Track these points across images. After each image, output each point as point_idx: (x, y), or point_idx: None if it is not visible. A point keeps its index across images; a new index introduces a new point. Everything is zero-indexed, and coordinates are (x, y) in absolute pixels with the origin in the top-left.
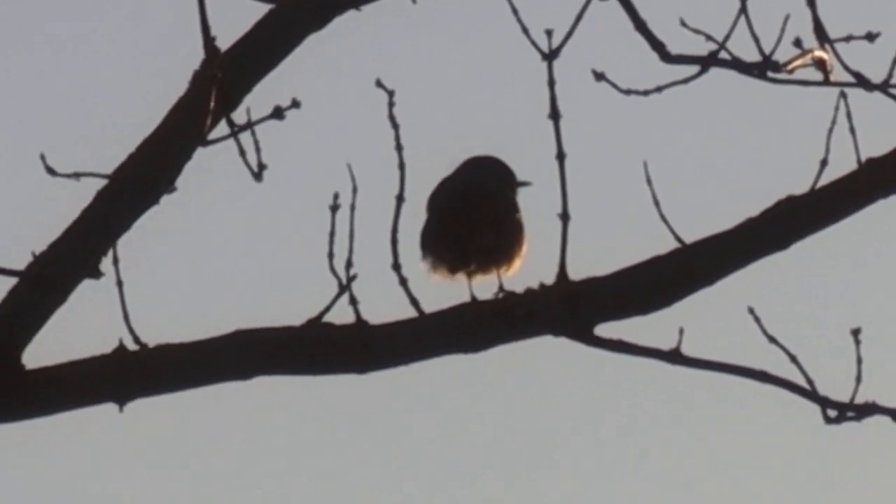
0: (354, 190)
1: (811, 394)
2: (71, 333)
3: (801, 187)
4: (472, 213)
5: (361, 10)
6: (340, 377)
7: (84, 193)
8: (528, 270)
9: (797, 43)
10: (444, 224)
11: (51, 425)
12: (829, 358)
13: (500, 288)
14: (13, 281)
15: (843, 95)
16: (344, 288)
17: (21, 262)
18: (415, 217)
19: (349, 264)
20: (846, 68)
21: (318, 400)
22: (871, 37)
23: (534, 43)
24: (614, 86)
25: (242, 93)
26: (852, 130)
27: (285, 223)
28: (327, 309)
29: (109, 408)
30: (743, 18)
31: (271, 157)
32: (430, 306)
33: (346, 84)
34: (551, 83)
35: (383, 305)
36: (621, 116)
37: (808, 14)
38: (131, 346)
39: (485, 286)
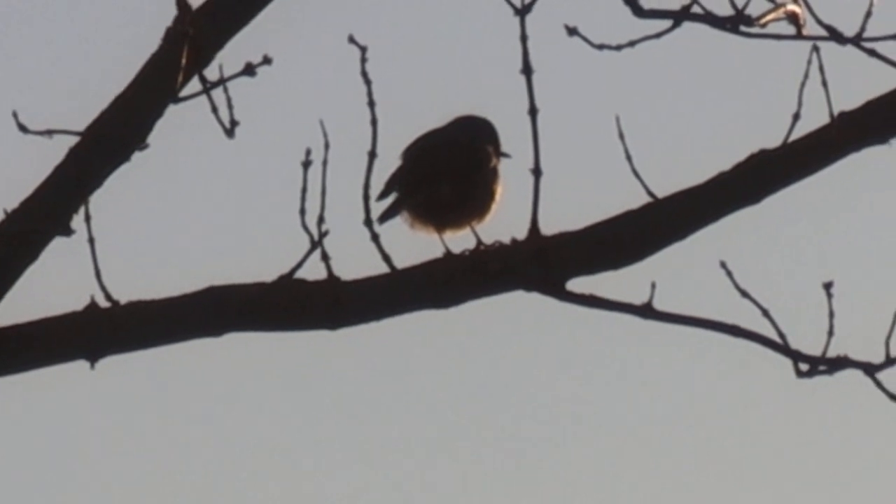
0: (326, 146)
1: (783, 348)
2: (42, 291)
3: (773, 141)
4: (429, 166)
5: None
6: (312, 333)
7: (56, 150)
8: (500, 226)
9: None
10: (403, 176)
11: (22, 382)
12: (801, 312)
13: (479, 242)
14: None
15: (816, 49)
16: (316, 244)
17: None
18: (387, 173)
19: (321, 220)
20: (819, 22)
21: (289, 356)
22: None
23: None
24: (587, 41)
25: (214, 49)
26: (825, 84)
27: (257, 179)
28: (299, 265)
29: (81, 365)
30: None
31: (243, 114)
32: (402, 262)
33: (319, 40)
34: (524, 38)
35: (355, 261)
36: (594, 71)
37: None
38: (103, 303)
39: (460, 240)
